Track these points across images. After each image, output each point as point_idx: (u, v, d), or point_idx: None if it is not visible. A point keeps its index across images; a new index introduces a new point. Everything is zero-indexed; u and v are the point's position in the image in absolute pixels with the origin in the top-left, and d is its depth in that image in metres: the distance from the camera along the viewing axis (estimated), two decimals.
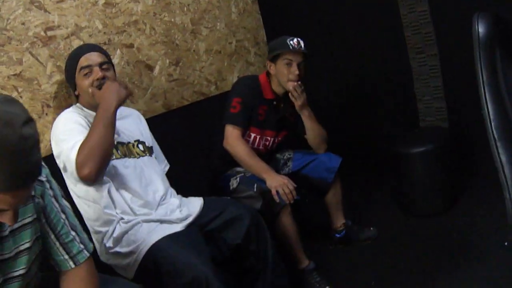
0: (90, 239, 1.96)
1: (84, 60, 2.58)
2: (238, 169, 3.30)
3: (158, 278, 2.24)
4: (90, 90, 2.54)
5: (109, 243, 2.43)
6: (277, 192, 2.96)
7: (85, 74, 2.56)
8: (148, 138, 2.87)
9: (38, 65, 2.79)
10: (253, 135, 3.32)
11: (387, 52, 4.42)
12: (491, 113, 1.44)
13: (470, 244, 3.16)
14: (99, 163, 2.30)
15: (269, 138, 3.39)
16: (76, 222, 1.82)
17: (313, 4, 4.73)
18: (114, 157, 2.51)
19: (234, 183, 3.23)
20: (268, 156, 3.40)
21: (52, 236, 1.71)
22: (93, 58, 2.59)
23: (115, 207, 2.46)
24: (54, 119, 2.79)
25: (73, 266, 1.74)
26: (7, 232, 1.53)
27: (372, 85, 4.61)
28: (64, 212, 1.76)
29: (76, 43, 3.00)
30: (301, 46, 3.23)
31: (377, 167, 4.42)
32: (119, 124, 2.60)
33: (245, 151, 3.14)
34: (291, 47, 3.20)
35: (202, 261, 2.21)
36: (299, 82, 3.26)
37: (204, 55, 3.99)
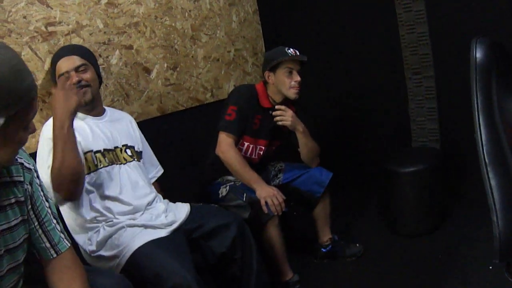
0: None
1: (60, 67, 2.59)
2: (229, 177, 3.31)
3: (141, 283, 2.23)
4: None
5: (92, 247, 2.43)
6: (266, 203, 2.97)
7: (63, 79, 2.50)
8: (138, 142, 2.87)
9: (37, 60, 2.78)
10: (246, 143, 3.33)
11: (384, 70, 4.45)
12: (483, 137, 1.45)
13: (455, 266, 3.16)
14: (70, 185, 2.30)
15: (262, 148, 3.40)
16: (56, 212, 1.85)
17: (313, 19, 4.76)
18: (101, 165, 2.53)
19: (223, 191, 3.23)
20: (259, 166, 3.40)
21: (36, 223, 1.73)
22: (69, 63, 2.58)
23: (100, 215, 2.47)
24: (48, 115, 2.81)
25: (54, 255, 1.76)
26: None
27: (367, 103, 4.64)
28: (47, 201, 1.80)
29: (76, 41, 3.00)
30: (299, 54, 3.27)
31: (367, 184, 4.45)
32: (108, 127, 2.64)
33: (237, 159, 3.14)
34: (290, 55, 3.24)
35: (185, 268, 2.21)
36: (278, 106, 3.32)
37: (202, 61, 4.00)
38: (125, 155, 2.69)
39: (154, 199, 2.71)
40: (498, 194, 1.41)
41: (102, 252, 2.39)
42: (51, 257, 1.75)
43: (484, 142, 1.45)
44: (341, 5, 4.57)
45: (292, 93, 3.28)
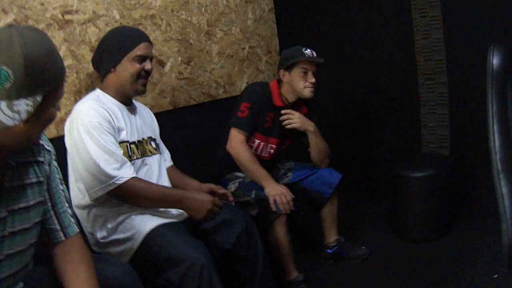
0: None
1: (143, 49, 2.56)
2: (238, 174, 3.32)
3: (153, 265, 2.25)
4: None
5: (103, 233, 2.43)
6: (275, 201, 2.98)
7: (137, 61, 2.53)
8: (157, 135, 2.88)
9: None
10: (257, 141, 3.33)
11: (397, 74, 4.44)
12: (497, 144, 1.45)
13: (461, 274, 3.15)
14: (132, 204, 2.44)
15: (273, 146, 3.40)
16: (69, 197, 1.89)
17: (328, 21, 4.76)
18: (134, 156, 2.52)
19: (232, 187, 3.24)
20: (270, 164, 3.40)
21: (49, 204, 1.76)
22: (149, 50, 2.61)
23: (117, 205, 2.46)
24: (62, 103, 2.81)
25: (63, 238, 1.78)
26: (15, 183, 1.60)
27: (379, 106, 4.63)
28: (62, 185, 1.83)
29: (92, 30, 3.01)
30: (315, 56, 3.28)
31: (376, 188, 4.44)
32: (137, 119, 2.65)
33: (247, 156, 3.15)
34: (307, 56, 3.24)
35: (198, 249, 2.23)
36: (284, 110, 3.35)
37: (216, 57, 4.01)
38: (150, 147, 2.68)
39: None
40: (509, 202, 1.41)
41: (115, 236, 2.39)
42: (60, 240, 1.78)
43: (497, 149, 1.44)
44: (357, 8, 4.57)
45: (307, 92, 3.29)
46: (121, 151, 2.38)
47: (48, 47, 1.44)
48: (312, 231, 3.77)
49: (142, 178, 2.46)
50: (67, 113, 2.80)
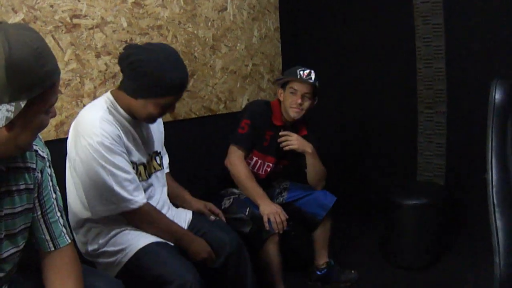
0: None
1: (174, 99, 2.36)
2: (234, 190, 3.32)
3: (142, 282, 2.25)
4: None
5: (93, 247, 2.41)
6: (268, 219, 2.98)
7: (161, 107, 2.35)
8: (162, 142, 2.82)
9: (58, 50, 2.81)
10: (255, 158, 3.34)
11: (397, 101, 4.48)
12: (494, 178, 1.46)
13: None
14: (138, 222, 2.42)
15: (270, 164, 3.40)
16: (62, 206, 1.83)
17: (333, 43, 4.80)
18: (141, 178, 2.45)
19: (226, 202, 3.24)
20: (265, 182, 3.40)
21: (39, 212, 1.72)
22: (177, 100, 2.43)
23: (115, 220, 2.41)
24: (62, 106, 2.83)
25: (52, 248, 1.74)
26: (3, 189, 1.55)
27: (377, 131, 4.66)
28: (55, 193, 1.79)
29: (98, 36, 3.03)
30: (310, 78, 3.27)
31: (369, 213, 4.45)
32: (148, 130, 2.58)
33: (244, 172, 3.16)
34: (298, 76, 3.25)
35: (189, 270, 2.23)
36: (282, 131, 3.36)
37: (220, 72, 4.03)
38: (155, 163, 2.63)
39: (164, 203, 2.68)
40: (502, 236, 1.42)
41: (105, 248, 2.37)
42: (49, 250, 1.74)
43: (494, 183, 1.46)
44: (361, 34, 4.61)
45: (291, 112, 3.30)
46: (134, 172, 2.35)
47: (37, 48, 1.35)
48: (303, 252, 3.77)
49: (147, 198, 2.44)
50: (68, 117, 2.83)
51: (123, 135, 2.33)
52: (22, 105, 1.33)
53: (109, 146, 2.21)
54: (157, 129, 2.71)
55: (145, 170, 2.50)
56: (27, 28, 1.40)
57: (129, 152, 2.37)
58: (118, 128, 2.32)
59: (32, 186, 1.65)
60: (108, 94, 2.41)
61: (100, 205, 2.26)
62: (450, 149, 4.20)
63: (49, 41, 2.75)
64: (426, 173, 4.36)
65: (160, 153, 2.70)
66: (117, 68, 3.14)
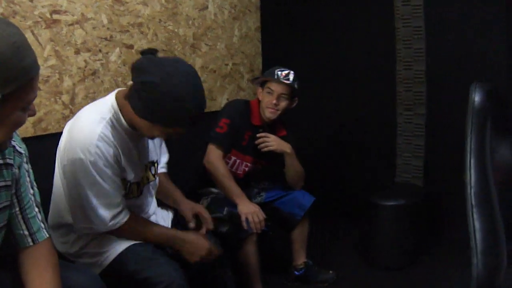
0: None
1: (181, 131, 2.18)
2: (212, 189, 3.31)
3: (125, 283, 2.22)
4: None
5: (74, 249, 2.34)
6: (246, 219, 2.98)
7: (165, 135, 2.23)
8: (159, 151, 2.67)
9: (37, 46, 2.77)
10: (233, 158, 3.33)
11: (376, 103, 4.49)
12: (473, 179, 1.47)
13: None
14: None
15: (248, 164, 3.40)
16: (40, 201, 1.80)
17: (313, 44, 4.80)
18: (132, 195, 2.36)
19: (204, 202, 3.23)
20: (243, 182, 3.38)
21: (17, 209, 1.69)
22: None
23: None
24: (41, 102, 2.80)
25: (31, 243, 1.71)
26: None
27: (356, 132, 4.67)
28: (32, 189, 1.76)
29: (78, 33, 3.00)
30: (288, 78, 3.25)
31: (348, 213, 4.46)
32: (143, 144, 2.41)
33: (223, 172, 3.14)
34: (275, 76, 3.24)
35: (175, 269, 2.19)
36: (261, 132, 3.35)
37: (199, 71, 4.01)
38: (149, 174, 2.50)
39: (153, 212, 2.63)
40: (480, 237, 1.43)
41: (86, 250, 2.31)
42: (28, 245, 1.71)
43: (473, 184, 1.46)
44: (342, 35, 4.61)
45: (266, 112, 3.30)
46: (122, 193, 2.25)
47: (15, 42, 1.29)
48: (281, 252, 3.77)
49: (137, 211, 2.40)
50: (47, 113, 2.81)
51: (120, 153, 2.20)
52: None
53: (101, 168, 2.10)
54: None
55: (138, 188, 2.39)
56: (5, 22, 1.35)
57: (123, 171, 2.25)
58: (117, 146, 2.17)
59: (10, 183, 1.63)
60: (114, 100, 2.20)
61: (82, 223, 2.19)
62: (428, 151, 4.23)
63: (28, 36, 2.71)
64: (404, 175, 4.38)
65: (156, 162, 2.56)
66: (96, 65, 3.13)
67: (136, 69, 2.05)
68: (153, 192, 2.61)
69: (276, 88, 3.26)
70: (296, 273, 3.54)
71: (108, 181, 2.13)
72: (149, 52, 2.09)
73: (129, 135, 2.23)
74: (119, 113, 2.17)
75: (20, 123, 1.43)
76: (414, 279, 3.56)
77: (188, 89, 2.01)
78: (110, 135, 2.13)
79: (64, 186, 2.21)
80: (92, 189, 2.11)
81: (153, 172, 2.53)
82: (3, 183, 1.59)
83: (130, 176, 2.30)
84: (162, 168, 2.79)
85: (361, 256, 3.96)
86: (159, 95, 1.98)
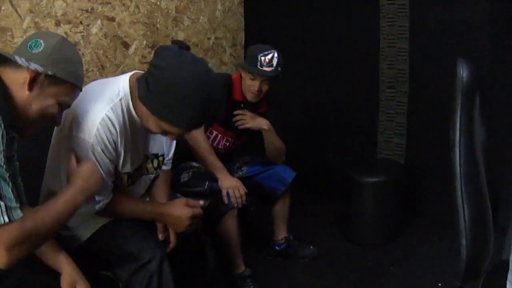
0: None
1: (183, 132, 2.10)
2: (193, 163, 3.30)
3: (102, 259, 2.19)
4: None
5: None
6: (227, 193, 2.98)
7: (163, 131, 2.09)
8: (167, 146, 2.58)
9: (16, 17, 2.73)
10: (215, 132, 3.31)
11: (359, 80, 4.48)
12: (462, 159, 1.45)
13: (405, 280, 3.22)
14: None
15: (229, 139, 3.39)
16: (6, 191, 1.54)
17: (295, 20, 4.77)
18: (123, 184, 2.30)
19: (185, 176, 3.22)
20: (224, 157, 3.37)
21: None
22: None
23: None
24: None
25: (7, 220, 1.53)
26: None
27: (339, 109, 4.67)
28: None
29: (58, 4, 2.95)
30: (272, 66, 3.16)
31: (328, 189, 4.47)
32: (145, 136, 2.32)
33: (204, 146, 3.12)
34: (259, 65, 3.14)
35: (155, 243, 2.17)
36: (242, 107, 3.33)
37: None
38: (149, 165, 2.43)
39: None
40: (469, 217, 1.42)
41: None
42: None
43: (462, 163, 1.45)
44: (325, 11, 4.58)
45: (249, 96, 3.26)
46: (112, 180, 2.18)
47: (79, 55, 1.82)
48: (262, 227, 3.78)
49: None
50: None
51: (119, 140, 2.12)
52: (52, 73, 1.64)
53: (99, 152, 2.03)
54: None
55: (128, 179, 2.31)
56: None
57: (118, 158, 2.17)
58: (117, 131, 2.08)
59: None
60: (127, 81, 2.12)
61: None
62: (410, 129, 4.24)
63: (7, 7, 2.67)
64: (386, 152, 4.39)
65: (161, 156, 2.49)
66: (77, 37, 3.08)
67: (155, 52, 1.99)
68: (148, 185, 2.55)
69: (258, 76, 3.18)
70: (277, 248, 3.56)
71: (103, 167, 2.07)
72: (179, 44, 1.98)
73: (135, 122, 2.15)
74: (129, 97, 2.09)
75: (49, 111, 1.70)
76: (394, 255, 3.59)
77: (195, 88, 1.90)
78: (114, 119, 2.05)
79: (60, 156, 2.11)
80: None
81: (155, 165, 2.45)
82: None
83: (124, 166, 2.23)
84: (166, 166, 2.66)
85: (342, 232, 3.98)
86: (162, 81, 1.89)
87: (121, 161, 2.19)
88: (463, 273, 1.45)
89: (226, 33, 4.54)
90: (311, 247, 3.61)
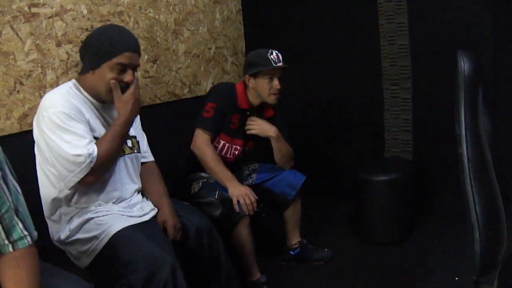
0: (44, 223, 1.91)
1: (125, 58, 2.32)
2: (202, 174, 3.30)
3: (115, 268, 2.20)
4: (112, 86, 2.31)
5: (65, 234, 2.34)
6: (238, 202, 2.98)
7: (117, 69, 2.32)
8: (138, 132, 2.74)
9: (17, 41, 2.73)
10: (222, 142, 3.31)
11: (362, 79, 4.49)
12: (469, 153, 1.45)
13: (422, 277, 3.20)
14: (106, 171, 2.35)
15: (237, 147, 3.39)
16: (22, 206, 1.66)
17: (295, 25, 4.78)
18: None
19: (196, 187, 3.22)
20: (234, 165, 3.39)
21: None
22: (134, 60, 2.38)
23: (85, 202, 2.37)
24: (25, 98, 2.77)
25: (11, 250, 1.59)
26: None
27: (344, 110, 4.67)
28: (11, 194, 1.62)
29: (58, 25, 2.96)
30: (280, 60, 3.26)
31: (339, 191, 4.47)
32: (111, 117, 2.49)
33: (211, 156, 3.13)
34: (273, 63, 3.22)
35: (167, 250, 2.19)
36: (249, 115, 3.38)
37: (183, 56, 3.98)
38: (125, 146, 2.52)
39: (136, 190, 2.61)
40: (480, 210, 1.42)
41: (78, 235, 2.32)
42: (7, 252, 1.59)
43: (470, 156, 1.44)
44: (324, 13, 4.59)
45: (272, 99, 3.30)
46: (91, 137, 2.26)
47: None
48: (275, 233, 3.77)
49: (107, 182, 2.43)
50: (31, 108, 2.78)
51: (84, 111, 2.32)
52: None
53: (69, 114, 2.21)
54: None
55: None
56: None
57: (91, 127, 2.34)
58: (80, 103, 2.33)
59: None
60: (72, 80, 2.45)
61: (65, 170, 2.19)
62: (416, 125, 4.23)
63: (8, 31, 2.67)
64: (393, 149, 4.39)
65: (134, 137, 2.63)
66: (79, 57, 3.08)
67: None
68: (132, 171, 2.60)
69: (275, 72, 3.26)
70: (292, 253, 3.55)
71: (77, 125, 2.23)
72: None
73: (93, 105, 2.42)
74: (78, 85, 2.41)
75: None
76: (409, 252, 3.58)
77: (116, 28, 2.54)
78: (72, 95, 2.34)
79: (44, 157, 2.28)
80: (66, 132, 2.19)
81: (129, 145, 2.58)
82: None
83: (97, 134, 2.37)
84: (147, 156, 2.84)
85: (354, 232, 3.98)
86: (93, 38, 2.37)
87: (95, 128, 2.37)
88: (478, 266, 1.45)
89: (226, 42, 4.54)
90: (326, 249, 3.60)
